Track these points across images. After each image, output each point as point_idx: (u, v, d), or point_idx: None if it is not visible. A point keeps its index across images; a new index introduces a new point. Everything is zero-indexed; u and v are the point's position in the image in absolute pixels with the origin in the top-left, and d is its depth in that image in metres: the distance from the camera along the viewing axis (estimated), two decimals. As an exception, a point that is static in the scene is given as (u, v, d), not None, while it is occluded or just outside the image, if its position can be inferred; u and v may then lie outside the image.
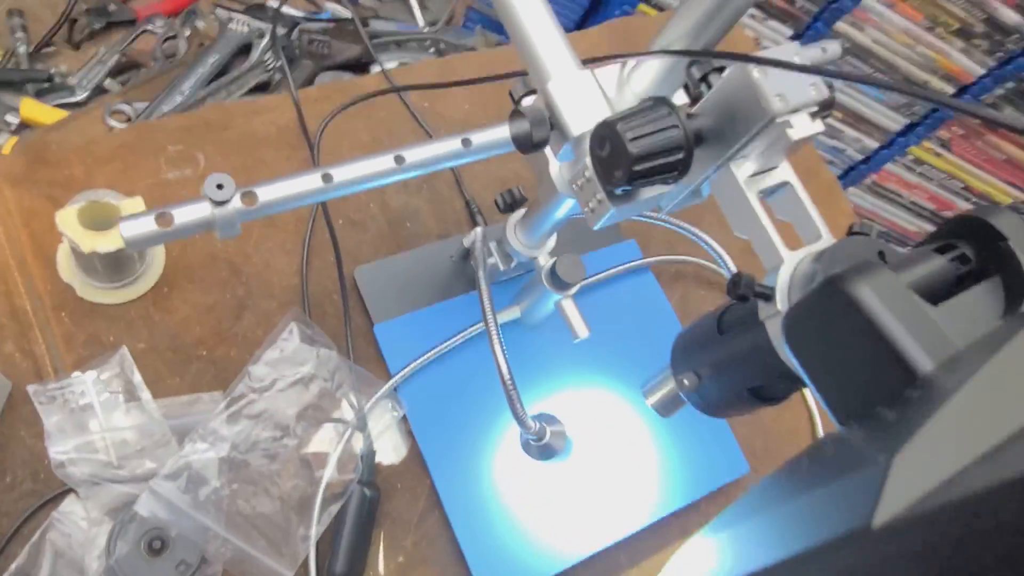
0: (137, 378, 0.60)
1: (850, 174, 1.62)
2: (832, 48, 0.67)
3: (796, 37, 1.38)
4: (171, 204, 0.46)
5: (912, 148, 1.52)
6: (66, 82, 1.21)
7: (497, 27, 1.66)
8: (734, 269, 0.73)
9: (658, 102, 0.40)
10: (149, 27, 1.30)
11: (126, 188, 0.67)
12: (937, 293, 0.34)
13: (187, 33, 1.29)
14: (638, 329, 0.76)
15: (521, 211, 0.65)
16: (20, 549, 0.53)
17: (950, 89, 1.41)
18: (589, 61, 0.47)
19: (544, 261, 0.64)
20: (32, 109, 1.04)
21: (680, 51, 0.40)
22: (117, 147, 0.68)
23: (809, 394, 0.78)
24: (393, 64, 1.39)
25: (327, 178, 0.50)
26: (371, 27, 1.51)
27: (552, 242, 0.65)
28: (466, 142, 0.56)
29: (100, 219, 0.57)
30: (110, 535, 0.54)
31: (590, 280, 0.75)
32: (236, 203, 0.47)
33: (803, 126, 0.38)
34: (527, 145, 0.45)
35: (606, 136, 0.40)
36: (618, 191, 0.42)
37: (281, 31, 1.34)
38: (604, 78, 0.46)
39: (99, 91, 1.21)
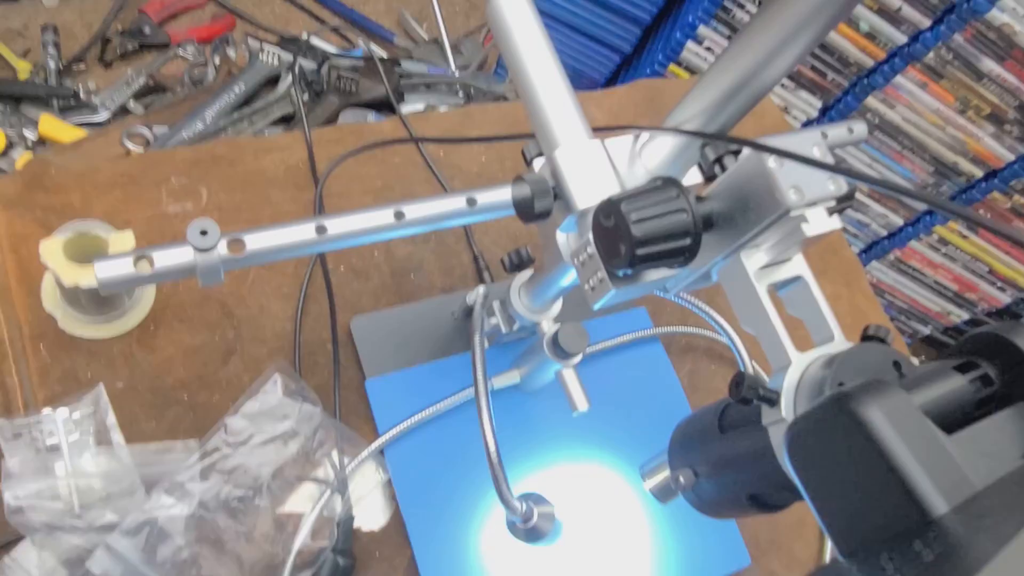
0: (111, 419, 0.58)
1: (874, 248, 1.58)
2: (859, 129, 0.64)
3: (825, 109, 1.36)
4: (153, 246, 0.44)
5: (938, 227, 1.49)
6: (90, 100, 1.21)
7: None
8: (744, 352, 0.69)
9: (667, 183, 0.37)
10: (180, 52, 1.31)
11: (123, 218, 0.65)
12: (955, 418, 0.31)
13: (217, 61, 1.30)
14: (643, 403, 0.72)
15: (527, 272, 0.62)
16: (-35, 594, 0.50)
17: (979, 172, 1.38)
18: (601, 130, 0.45)
19: (547, 327, 0.61)
20: (50, 125, 1.04)
21: (692, 132, 0.38)
22: (119, 175, 0.67)
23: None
24: (419, 106, 1.39)
25: (321, 230, 0.48)
26: (402, 68, 1.51)
27: (557, 307, 0.62)
28: (471, 201, 0.54)
29: (87, 251, 0.56)
30: (61, 586, 0.51)
31: (596, 348, 0.72)
32: (222, 250, 0.45)
33: (819, 222, 0.35)
34: (529, 215, 0.43)
35: (610, 215, 0.37)
36: (620, 273, 0.39)
37: (311, 65, 1.34)
38: (615, 149, 0.44)
39: (122, 112, 1.22)
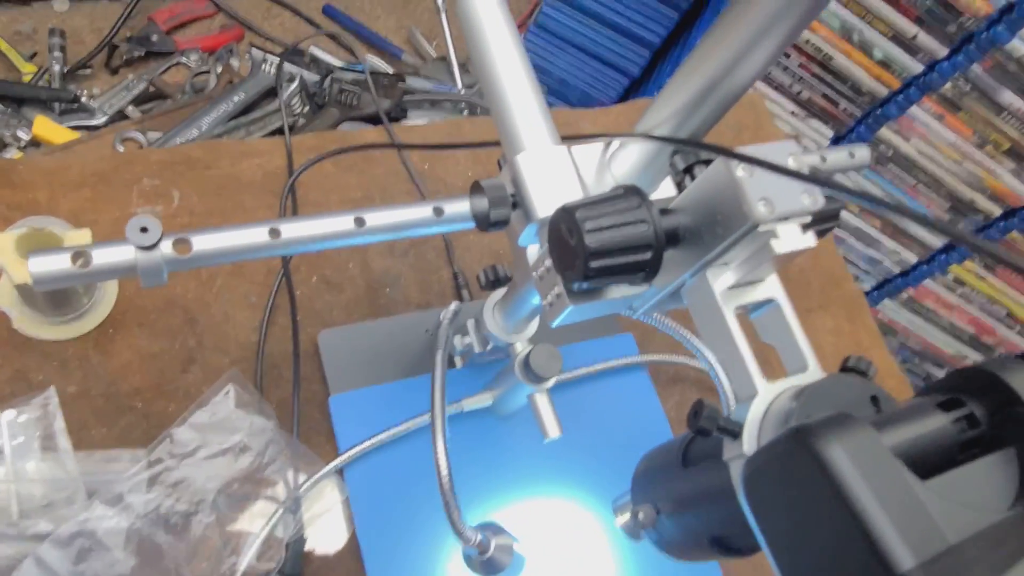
0: (59, 424, 0.55)
1: (886, 286, 1.54)
2: (860, 154, 0.61)
3: (837, 139, 1.33)
4: (93, 243, 0.42)
5: (954, 267, 1.44)
6: (90, 105, 1.20)
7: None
8: (725, 381, 0.66)
9: (629, 191, 0.35)
10: (183, 59, 1.30)
11: (90, 218, 0.63)
12: (933, 462, 0.28)
13: (219, 69, 1.29)
14: (624, 434, 0.68)
15: (502, 290, 0.59)
16: None
17: (997, 210, 1.34)
18: (570, 138, 0.42)
19: (520, 348, 0.58)
20: (44, 127, 1.02)
21: (660, 136, 0.35)
22: (89, 175, 0.65)
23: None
24: (421, 123, 1.37)
25: (275, 233, 0.46)
26: (407, 84, 1.50)
27: (533, 328, 0.59)
28: (438, 211, 0.51)
29: (41, 248, 0.53)
30: (-13, 600, 0.48)
31: (576, 373, 0.69)
32: (166, 250, 0.43)
33: (791, 239, 0.32)
34: (484, 223, 0.40)
35: (565, 223, 0.34)
36: (575, 287, 0.36)
37: (314, 77, 1.33)
38: (583, 157, 0.41)
39: (120, 117, 1.21)
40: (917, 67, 1.17)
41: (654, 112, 0.37)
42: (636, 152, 0.39)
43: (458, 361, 0.65)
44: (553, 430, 0.57)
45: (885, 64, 1.18)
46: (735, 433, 0.32)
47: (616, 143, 0.41)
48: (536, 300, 0.51)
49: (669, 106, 0.36)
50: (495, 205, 0.39)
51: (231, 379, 0.55)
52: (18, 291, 0.57)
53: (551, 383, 0.56)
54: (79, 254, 0.42)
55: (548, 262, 0.38)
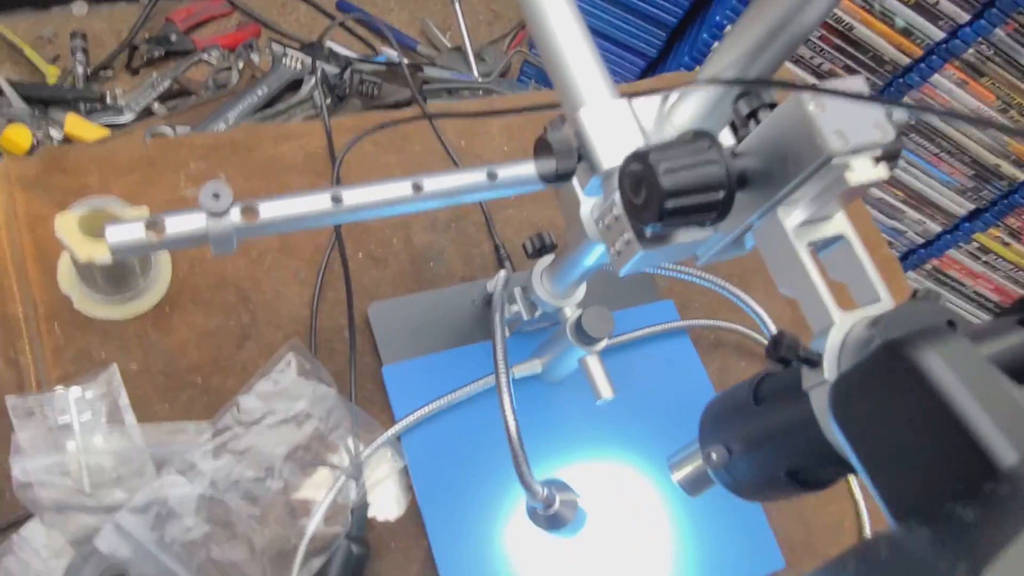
0: (124, 400, 0.56)
1: (910, 258, 1.54)
2: (898, 113, 0.62)
3: (858, 111, 1.33)
4: (166, 212, 0.43)
5: (978, 235, 1.44)
6: (116, 103, 1.22)
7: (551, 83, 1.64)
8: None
9: (699, 135, 0.35)
10: (205, 56, 1.31)
11: (141, 201, 0.64)
12: (1021, 371, 0.28)
13: (241, 65, 1.30)
14: (669, 398, 0.69)
15: (549, 258, 0.60)
16: (-30, 574, 0.48)
17: (1021, 175, 1.34)
18: (629, 94, 0.43)
19: (570, 313, 0.59)
20: (76, 125, 1.04)
21: (727, 80, 0.36)
22: (137, 159, 0.66)
23: (856, 486, 0.70)
24: (442, 110, 1.38)
25: (337, 200, 0.47)
26: (425, 73, 1.51)
27: (581, 293, 0.60)
28: (491, 175, 0.52)
29: (102, 227, 0.54)
30: (67, 569, 0.49)
31: (620, 339, 0.70)
32: (235, 217, 0.44)
33: (864, 170, 0.33)
34: (550, 175, 0.41)
35: (637, 168, 0.35)
36: (648, 231, 0.37)
37: (334, 70, 1.34)
38: (642, 109, 0.42)
39: (147, 114, 1.22)
40: (939, 34, 1.17)
41: (718, 58, 0.37)
42: (697, 101, 0.40)
43: (505, 331, 0.66)
44: (606, 391, 0.57)
45: (907, 32, 1.18)
46: (814, 362, 0.33)
47: (675, 95, 0.41)
48: (588, 262, 0.52)
49: (734, 50, 0.36)
50: (561, 157, 0.40)
51: (292, 348, 0.56)
52: (78, 272, 0.59)
53: (602, 345, 0.57)
54: (153, 223, 0.43)
55: (616, 210, 0.39)
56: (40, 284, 0.59)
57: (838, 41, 1.23)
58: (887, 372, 0.27)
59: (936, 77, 1.21)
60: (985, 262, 1.48)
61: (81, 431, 0.54)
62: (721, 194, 0.34)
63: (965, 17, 1.14)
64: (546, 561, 0.59)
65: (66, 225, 0.53)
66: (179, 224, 0.43)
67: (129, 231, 0.42)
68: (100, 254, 0.53)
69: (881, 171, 0.33)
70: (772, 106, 0.37)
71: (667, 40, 1.45)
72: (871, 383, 0.28)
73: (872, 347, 0.30)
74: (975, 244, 1.45)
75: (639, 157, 0.35)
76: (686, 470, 0.49)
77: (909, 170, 1.36)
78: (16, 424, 0.52)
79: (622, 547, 0.61)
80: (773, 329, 0.66)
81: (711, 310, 0.76)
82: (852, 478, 0.71)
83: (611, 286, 0.73)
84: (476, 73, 1.63)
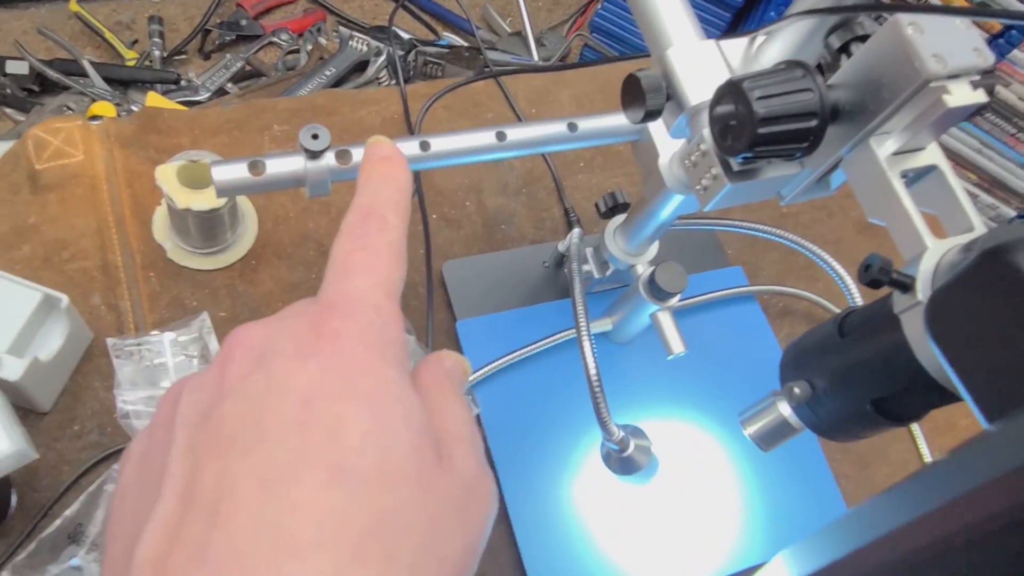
0: (214, 344, 0.59)
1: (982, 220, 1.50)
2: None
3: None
4: (266, 154, 0.45)
5: (1052, 220, 1.40)
6: (191, 83, 1.26)
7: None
8: (855, 290, 0.66)
9: (792, 64, 0.36)
10: (274, 39, 1.35)
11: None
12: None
13: (309, 47, 1.34)
14: (737, 361, 0.70)
15: (622, 216, 0.61)
16: (77, 498, 0.51)
17: (1100, 158, 1.30)
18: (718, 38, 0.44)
19: (642, 269, 0.60)
20: (156, 101, 1.08)
21: (822, 9, 0.36)
22: (225, 121, 0.69)
23: (927, 450, 0.69)
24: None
25: (424, 146, 0.49)
26: (487, 56, 1.53)
27: (653, 251, 0.61)
28: (572, 126, 0.54)
29: (198, 179, 0.57)
30: (165, 497, 0.52)
31: (690, 301, 0.70)
32: (330, 160, 0.46)
33: (963, 94, 0.33)
34: (639, 115, 0.42)
35: (730, 96, 0.36)
36: (737, 162, 0.38)
37: (399, 52, 1.37)
38: (730, 50, 0.42)
39: (220, 93, 1.26)
40: (1020, 6, 1.14)
41: (809, -7, 0.38)
42: (787, 39, 0.40)
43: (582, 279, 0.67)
44: (677, 345, 0.58)
45: (984, 3, 1.15)
46: (907, 285, 0.33)
47: (762, 37, 0.42)
48: (664, 214, 0.53)
49: (826, -16, 0.37)
50: (651, 92, 0.40)
51: (375, 296, 0.58)
52: (173, 225, 0.61)
53: (675, 301, 0.58)
54: (255, 163, 0.45)
55: (703, 146, 0.40)
56: (138, 235, 0.62)
57: (915, 3, 1.20)
58: (988, 279, 0.27)
59: (1016, 53, 1.18)
60: (1059, 249, 1.43)
61: (175, 371, 0.57)
62: (815, 122, 0.35)
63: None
64: (616, 508, 0.59)
65: (166, 175, 0.55)
66: (280, 165, 0.45)
67: (233, 170, 0.45)
68: (197, 202, 0.55)
69: (980, 95, 0.33)
70: (864, 39, 0.37)
71: (732, 20, 1.44)
72: (971, 292, 0.28)
73: (970, 258, 0.30)
74: (1049, 230, 1.41)
75: (732, 85, 0.35)
76: (759, 423, 0.49)
77: (983, 151, 1.33)
78: (117, 363, 0.55)
79: (690, 500, 0.62)
80: (853, 289, 0.66)
81: (780, 278, 0.76)
82: (925, 450, 0.70)
83: (680, 251, 0.73)
84: (537, 57, 1.64)
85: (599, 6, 1.66)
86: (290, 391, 0.24)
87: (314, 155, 0.45)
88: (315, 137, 0.44)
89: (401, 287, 0.29)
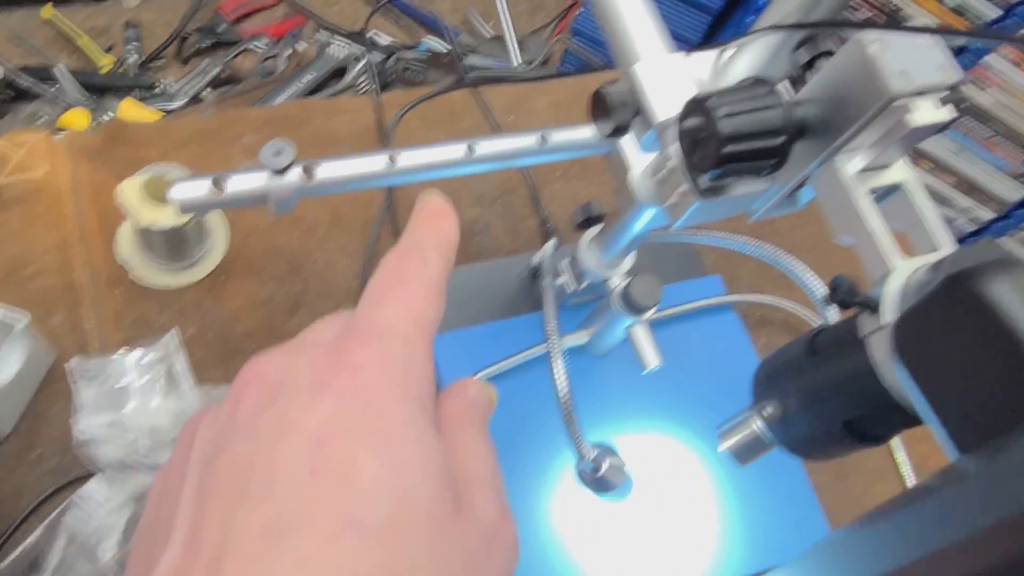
0: (181, 364, 0.58)
1: (961, 245, 1.51)
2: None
3: (907, 94, 1.31)
4: (229, 171, 0.44)
5: (1031, 222, 1.41)
6: (168, 90, 1.25)
7: (595, 63, 1.64)
8: (828, 317, 0.65)
9: (757, 81, 0.35)
10: (252, 45, 1.34)
11: (198, 171, 0.66)
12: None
13: (287, 53, 1.33)
14: (715, 372, 0.69)
15: (597, 227, 0.61)
16: (37, 526, 0.50)
17: (1078, 160, 1.30)
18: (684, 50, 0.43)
19: (618, 282, 0.59)
20: (129, 109, 1.07)
21: (788, 25, 0.36)
22: (195, 132, 0.68)
23: (903, 463, 0.69)
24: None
25: (392, 160, 0.48)
26: (466, 62, 1.52)
27: (629, 262, 0.60)
28: (543, 138, 0.53)
29: (163, 193, 0.56)
30: (128, 522, 0.51)
31: (667, 312, 0.70)
32: (294, 177, 0.45)
33: (927, 111, 0.32)
34: (607, 130, 0.41)
35: (696, 113, 0.35)
36: (705, 180, 0.37)
37: (379, 58, 1.36)
38: (698, 64, 0.42)
39: (197, 100, 1.25)
40: (994, 11, 1.14)
41: (775, 8, 0.37)
42: (754, 53, 0.39)
43: (555, 293, 0.66)
44: (653, 359, 0.57)
45: (958, 11, 1.15)
46: (874, 307, 0.33)
47: (731, 50, 0.41)
48: (637, 227, 0.52)
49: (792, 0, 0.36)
50: (618, 108, 0.40)
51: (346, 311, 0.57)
52: (139, 240, 0.60)
53: (650, 314, 0.57)
54: (218, 180, 0.44)
55: (671, 162, 0.39)
56: (102, 252, 0.61)
57: (886, 21, 1.21)
58: (953, 305, 0.27)
59: (989, 58, 1.18)
60: (1039, 250, 1.44)
61: (140, 392, 0.56)
62: (780, 140, 0.34)
63: (1020, -6, 1.12)
64: (591, 527, 0.59)
65: (129, 190, 0.54)
66: (242, 182, 0.44)
67: (194, 187, 0.44)
68: (162, 219, 0.54)
69: (945, 113, 0.33)
70: (831, 54, 0.37)
71: (711, 25, 1.44)
72: (936, 317, 0.28)
73: (935, 282, 0.30)
74: (1029, 231, 1.42)
75: (697, 103, 0.35)
76: (736, 438, 0.48)
77: (960, 154, 1.33)
78: (78, 385, 0.54)
79: (666, 517, 0.61)
80: (817, 290, 0.65)
81: (758, 287, 0.75)
82: (902, 458, 0.70)
83: (658, 260, 0.73)
84: (518, 61, 1.63)
85: (580, 10, 1.65)
86: (303, 430, 0.23)
87: (278, 172, 0.44)
88: (278, 153, 0.43)
89: (436, 326, 0.28)
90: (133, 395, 0.55)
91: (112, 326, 0.58)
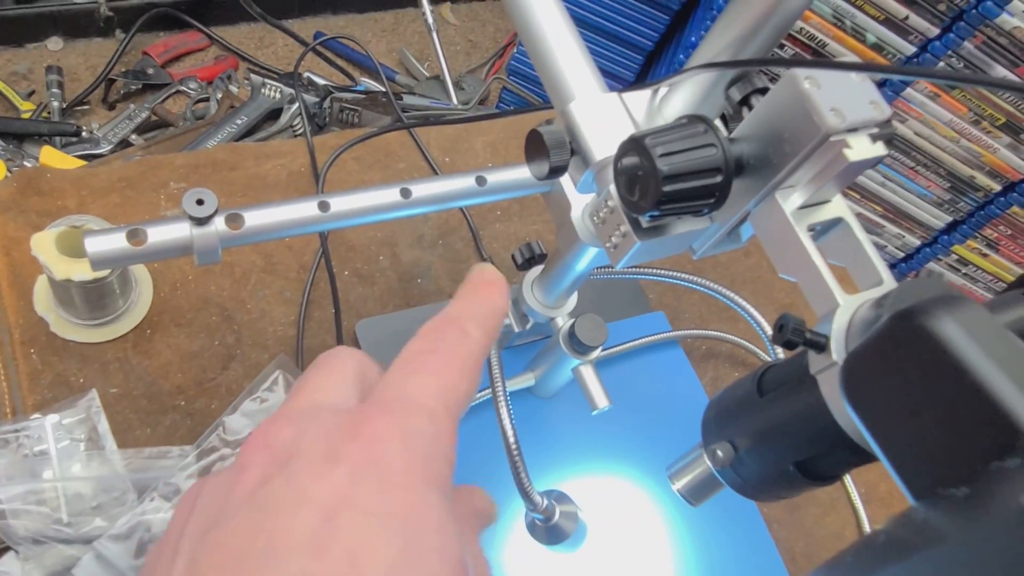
0: (103, 426, 0.54)
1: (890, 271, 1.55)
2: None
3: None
4: (148, 221, 0.42)
5: (956, 247, 1.45)
6: (92, 135, 1.21)
7: (533, 100, 1.65)
8: (775, 350, 0.66)
9: (693, 119, 0.35)
10: (183, 87, 1.30)
11: (120, 222, 0.63)
12: (1035, 341, 0.28)
13: (219, 95, 1.30)
14: (664, 409, 0.68)
15: (539, 268, 0.60)
16: (-59, 611, 0.46)
17: (997, 186, 1.35)
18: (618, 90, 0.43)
19: (562, 322, 0.58)
20: (51, 156, 1.02)
21: (720, 63, 0.35)
22: (116, 180, 0.65)
23: (856, 494, 0.69)
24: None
25: (324, 206, 0.46)
26: (404, 101, 1.51)
27: (572, 303, 0.59)
28: (480, 180, 0.52)
29: (80, 246, 0.53)
30: (46, 601, 0.47)
31: (613, 351, 0.69)
32: (219, 225, 0.43)
33: (863, 147, 0.32)
34: (543, 172, 0.40)
35: (633, 153, 0.34)
36: (645, 219, 0.37)
37: (314, 99, 1.34)
38: (633, 103, 0.41)
39: (124, 145, 1.21)
40: (910, 48, 1.19)
41: (707, 47, 0.37)
42: (688, 91, 0.39)
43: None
44: (601, 400, 0.56)
45: (878, 47, 1.20)
46: (821, 345, 0.32)
47: (664, 88, 0.41)
48: (580, 267, 0.51)
49: (724, 38, 0.36)
50: (554, 148, 0.39)
51: (279, 365, 0.55)
52: (55, 294, 0.57)
53: (596, 354, 0.56)
54: (135, 232, 0.42)
55: (611, 203, 0.39)
56: (16, 309, 0.57)
57: (811, 58, 1.25)
58: (900, 343, 0.26)
59: (909, 91, 1.23)
60: (965, 274, 1.49)
61: (59, 458, 0.52)
62: (719, 178, 0.34)
63: (935, 31, 1.16)
64: (543, 573, 0.57)
65: (43, 243, 0.51)
66: (162, 233, 0.42)
67: (109, 241, 0.41)
68: (78, 273, 0.51)
69: (879, 148, 0.33)
70: (764, 91, 0.37)
71: (644, 63, 1.47)
72: (884, 357, 0.27)
73: (881, 321, 0.29)
74: (954, 256, 1.47)
75: (635, 142, 0.34)
76: (687, 478, 0.47)
77: (887, 184, 1.37)
78: (-10, 452, 0.50)
79: (622, 562, 0.59)
80: (764, 325, 0.66)
81: (702, 321, 0.75)
82: (852, 488, 0.70)
83: (601, 298, 0.72)
84: (455, 101, 1.63)
85: (515, 49, 1.67)
86: (311, 502, 0.20)
87: (200, 221, 0.42)
88: (200, 202, 0.41)
89: (466, 405, 0.26)
90: (51, 461, 0.52)
91: (28, 388, 0.55)
